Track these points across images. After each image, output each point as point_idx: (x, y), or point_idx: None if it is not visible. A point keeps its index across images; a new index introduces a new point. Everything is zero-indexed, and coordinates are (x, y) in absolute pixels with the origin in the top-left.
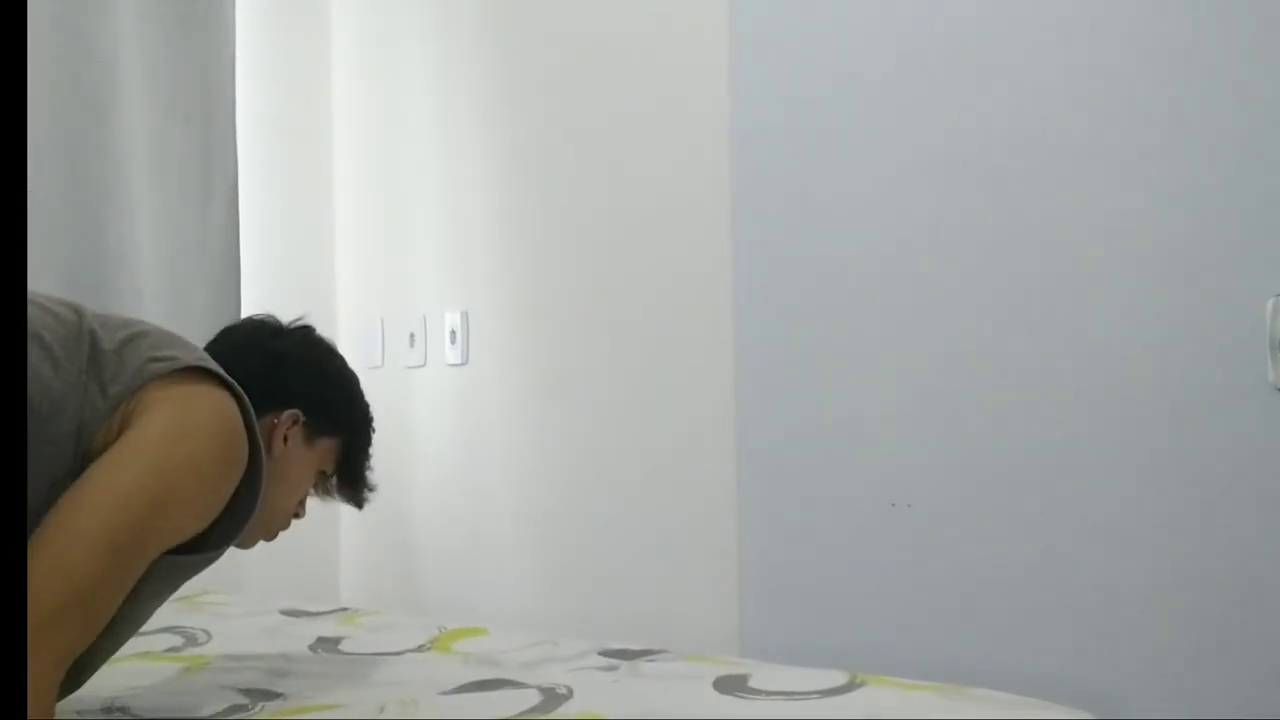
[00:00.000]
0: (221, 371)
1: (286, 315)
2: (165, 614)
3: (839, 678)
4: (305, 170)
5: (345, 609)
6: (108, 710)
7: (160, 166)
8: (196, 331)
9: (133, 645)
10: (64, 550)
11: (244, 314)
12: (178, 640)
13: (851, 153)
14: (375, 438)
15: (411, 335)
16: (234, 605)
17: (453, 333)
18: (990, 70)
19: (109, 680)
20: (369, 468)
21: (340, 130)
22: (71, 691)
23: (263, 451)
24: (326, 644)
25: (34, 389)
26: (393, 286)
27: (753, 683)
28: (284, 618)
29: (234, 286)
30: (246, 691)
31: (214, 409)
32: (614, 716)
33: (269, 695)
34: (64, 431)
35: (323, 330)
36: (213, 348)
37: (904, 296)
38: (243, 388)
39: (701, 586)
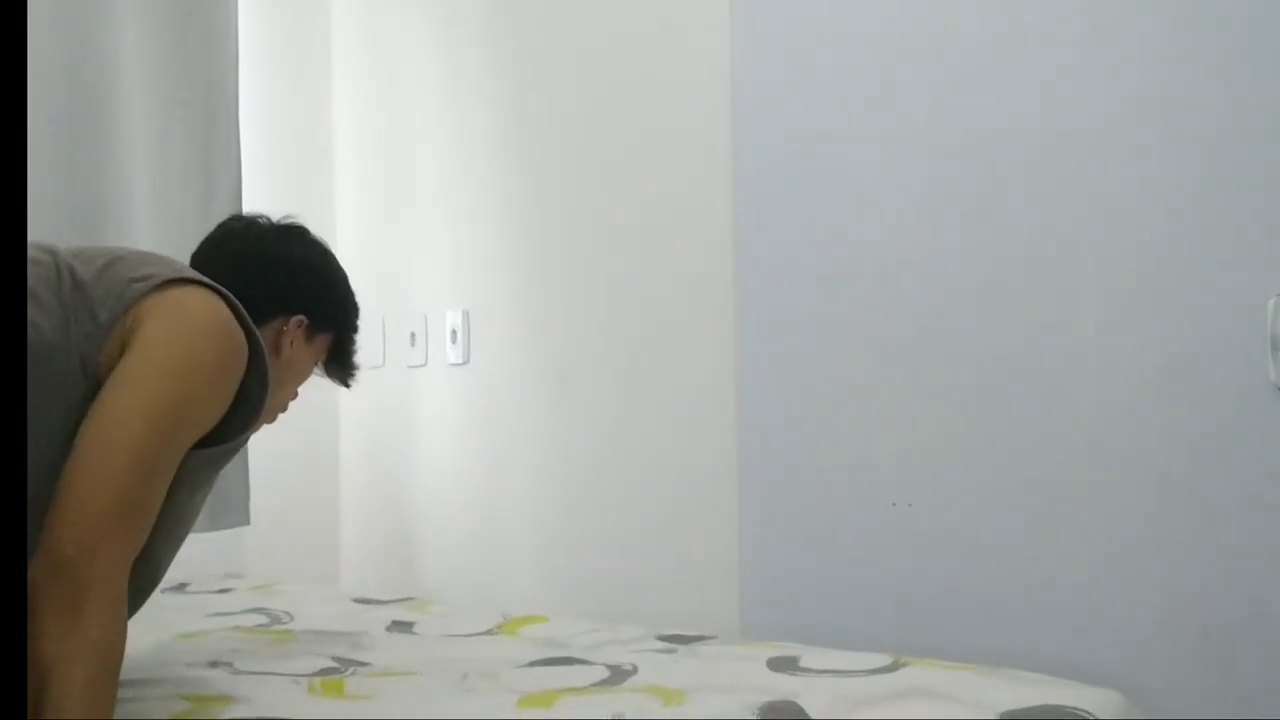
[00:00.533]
0: (200, 276)
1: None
2: (248, 599)
3: (883, 659)
4: (307, 169)
5: (411, 598)
6: (214, 665)
7: (163, 166)
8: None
9: (224, 620)
10: (100, 467)
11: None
12: (264, 619)
13: (853, 153)
14: (377, 435)
15: (412, 334)
16: (307, 593)
17: (454, 332)
18: (991, 70)
19: (209, 646)
20: (355, 351)
21: (341, 129)
22: (149, 593)
23: (261, 339)
24: (401, 626)
25: (29, 336)
26: (394, 286)
27: (803, 663)
28: (356, 605)
29: None
30: (335, 658)
31: (203, 310)
32: (675, 686)
33: (357, 663)
34: (68, 367)
35: None
36: (212, 252)
37: (905, 295)
38: (251, 293)
39: (702, 588)
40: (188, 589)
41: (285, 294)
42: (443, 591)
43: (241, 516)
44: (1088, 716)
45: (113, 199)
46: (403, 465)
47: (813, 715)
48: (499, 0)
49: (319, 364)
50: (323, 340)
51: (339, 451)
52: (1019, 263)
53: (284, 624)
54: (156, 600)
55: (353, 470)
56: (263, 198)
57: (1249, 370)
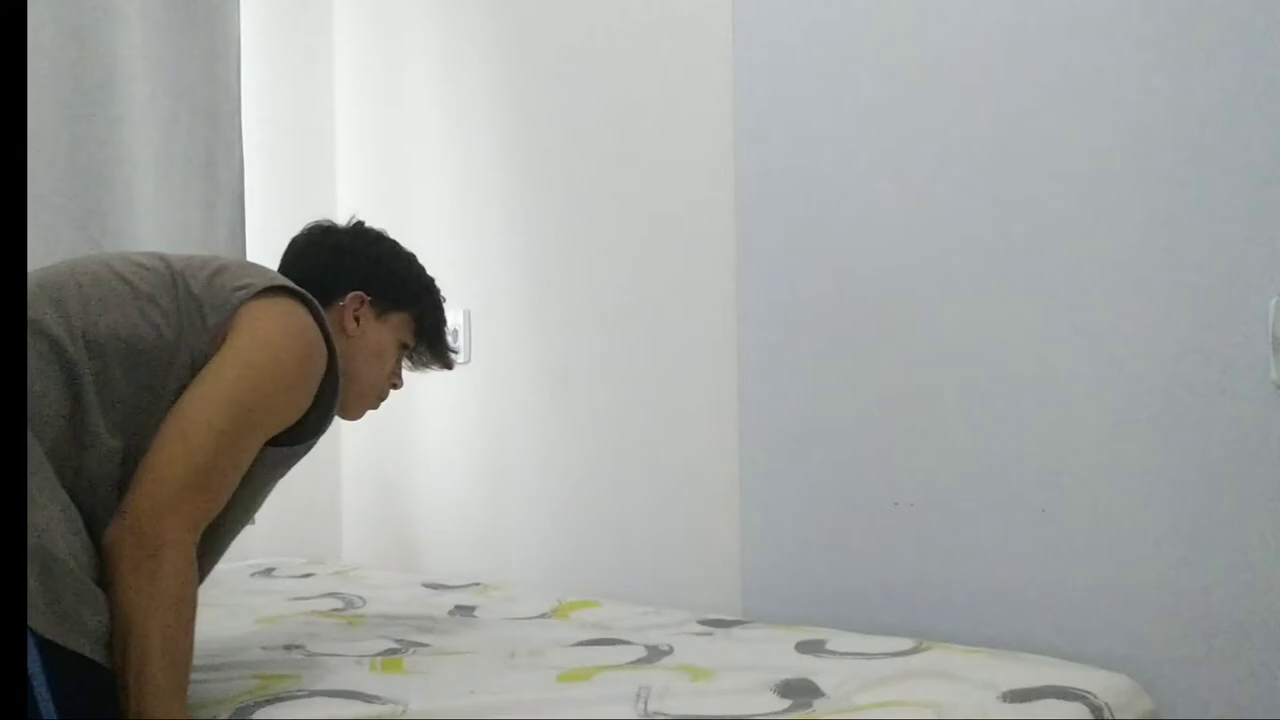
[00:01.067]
0: (291, 285)
1: None
2: (326, 583)
3: (907, 643)
4: (309, 169)
5: (478, 583)
6: (288, 649)
7: (165, 166)
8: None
9: (303, 605)
10: (181, 442)
11: None
12: (339, 603)
13: (855, 151)
14: (379, 434)
15: None
16: (382, 578)
17: (455, 331)
18: (993, 68)
19: (286, 629)
20: (447, 331)
21: (343, 129)
22: (204, 575)
23: (336, 349)
24: (463, 610)
25: (153, 337)
26: None
27: (830, 646)
28: (425, 589)
29: None
30: (399, 640)
31: (288, 318)
32: (705, 665)
33: (417, 644)
34: (181, 365)
35: None
36: (284, 257)
37: (908, 296)
38: (309, 285)
39: (704, 587)
40: (274, 573)
41: (339, 277)
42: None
43: None
44: (1089, 696)
45: (116, 197)
46: (404, 464)
47: (825, 692)
48: (502, 1)
49: (412, 349)
50: (399, 319)
51: (341, 451)
52: (1022, 264)
53: (356, 608)
54: (243, 584)
55: (355, 470)
56: (265, 197)
57: (1252, 368)
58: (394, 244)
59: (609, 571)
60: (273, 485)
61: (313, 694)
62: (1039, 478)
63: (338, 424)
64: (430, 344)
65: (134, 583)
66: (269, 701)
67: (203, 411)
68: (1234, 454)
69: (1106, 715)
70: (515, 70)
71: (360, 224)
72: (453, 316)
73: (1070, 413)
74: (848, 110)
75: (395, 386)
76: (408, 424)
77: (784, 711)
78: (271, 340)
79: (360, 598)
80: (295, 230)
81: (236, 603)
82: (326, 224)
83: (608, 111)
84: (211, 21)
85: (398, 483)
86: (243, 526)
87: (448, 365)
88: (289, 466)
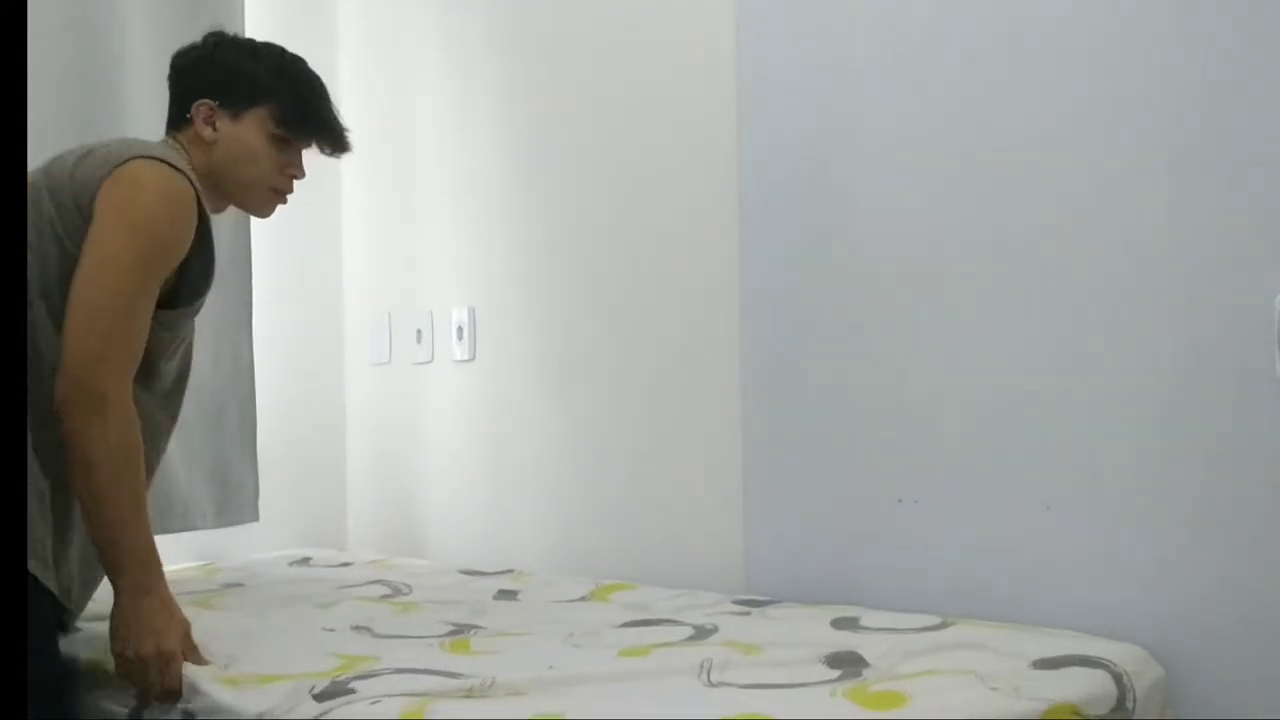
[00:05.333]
0: (150, 151)
1: (294, 313)
2: (368, 571)
3: (933, 619)
4: (313, 167)
5: (511, 570)
6: (357, 629)
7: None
8: (209, 330)
9: (353, 592)
10: (88, 306)
11: (255, 311)
12: (387, 590)
13: (858, 146)
14: (383, 430)
15: (419, 331)
16: (419, 567)
17: (459, 329)
18: (998, 65)
19: (349, 611)
20: (326, 112)
21: (348, 127)
22: (168, 435)
23: (206, 159)
24: (506, 594)
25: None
26: (400, 283)
27: (863, 622)
28: (463, 576)
29: (244, 284)
30: (455, 624)
31: (144, 173)
32: (753, 641)
33: (475, 627)
34: (64, 250)
35: (331, 326)
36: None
37: (911, 290)
38: (175, 111)
39: (707, 588)
40: (311, 562)
41: (184, 95)
42: None
43: (250, 513)
44: (1111, 664)
45: None
46: (409, 461)
47: (870, 663)
48: None
49: (282, 138)
50: (256, 115)
51: (346, 448)
52: (1027, 261)
53: (404, 595)
54: (285, 573)
55: (360, 467)
56: None
57: (1257, 364)
58: (239, 42)
59: (610, 567)
60: (183, 353)
61: (398, 671)
62: (1044, 475)
63: (342, 419)
64: (298, 130)
65: (88, 436)
66: (358, 678)
67: (97, 273)
68: (1238, 450)
69: (1126, 682)
70: (519, 67)
71: (212, 34)
72: (458, 313)
73: (1075, 409)
74: (851, 105)
75: (295, 177)
76: (413, 418)
77: (838, 680)
78: (134, 196)
79: (406, 585)
80: (299, 222)
81: (287, 591)
82: (181, 49)
83: (611, 107)
84: (216, 19)
85: (403, 476)
86: (175, 403)
87: (336, 146)
88: (188, 325)
